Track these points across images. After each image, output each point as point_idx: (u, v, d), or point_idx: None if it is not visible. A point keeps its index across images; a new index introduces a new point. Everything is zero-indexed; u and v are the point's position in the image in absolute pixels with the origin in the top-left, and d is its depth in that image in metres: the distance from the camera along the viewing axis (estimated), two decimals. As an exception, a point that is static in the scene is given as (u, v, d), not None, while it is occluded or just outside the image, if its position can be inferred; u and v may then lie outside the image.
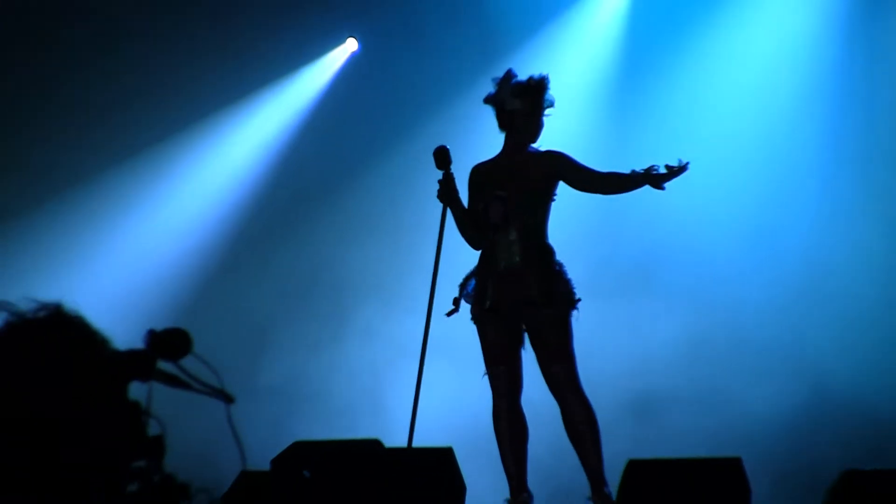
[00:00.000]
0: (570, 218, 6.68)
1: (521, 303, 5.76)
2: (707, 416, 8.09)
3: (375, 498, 5.01)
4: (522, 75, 8.18)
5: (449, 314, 5.86)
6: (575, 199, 6.33)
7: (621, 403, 8.10)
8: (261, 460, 5.44)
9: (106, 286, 8.58)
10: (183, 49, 8.92)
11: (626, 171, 5.77)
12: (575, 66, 8.81)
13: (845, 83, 8.37)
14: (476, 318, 5.88)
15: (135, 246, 8.95)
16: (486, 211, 5.86)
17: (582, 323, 5.85)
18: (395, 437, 5.90)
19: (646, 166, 5.72)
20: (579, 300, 5.81)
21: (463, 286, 5.94)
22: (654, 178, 5.69)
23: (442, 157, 5.96)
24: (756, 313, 8.25)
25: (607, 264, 8.40)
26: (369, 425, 8.17)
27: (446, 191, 5.91)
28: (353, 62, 9.18)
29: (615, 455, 5.76)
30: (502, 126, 6.02)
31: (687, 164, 5.67)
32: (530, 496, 5.89)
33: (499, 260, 5.83)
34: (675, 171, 5.68)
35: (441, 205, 5.96)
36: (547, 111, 6.00)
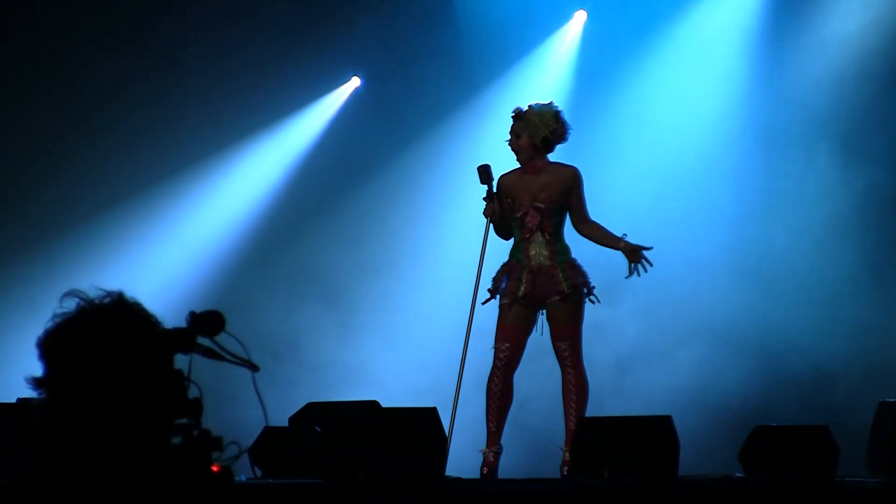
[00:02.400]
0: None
1: (551, 293, 5.84)
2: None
3: (374, 449, 5.03)
4: (501, 103, 8.20)
5: (485, 302, 5.97)
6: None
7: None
8: (280, 418, 5.46)
9: (156, 280, 8.60)
10: (213, 82, 8.86)
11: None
12: (536, 95, 8.80)
13: (757, 98, 8.31)
14: (505, 303, 5.94)
15: (179, 247, 8.99)
16: (522, 217, 5.93)
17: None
18: (389, 400, 5.92)
19: (636, 242, 5.84)
20: (594, 287, 5.89)
21: (498, 279, 6.01)
22: (634, 255, 5.80)
23: (486, 174, 5.98)
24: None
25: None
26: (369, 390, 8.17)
27: (491, 207, 5.95)
28: (356, 97, 9.14)
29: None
30: (546, 148, 5.96)
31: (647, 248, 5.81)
32: (501, 448, 5.94)
33: (531, 258, 5.91)
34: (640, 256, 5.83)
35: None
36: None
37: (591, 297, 5.96)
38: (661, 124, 8.44)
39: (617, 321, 8.08)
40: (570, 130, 6.03)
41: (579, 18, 8.78)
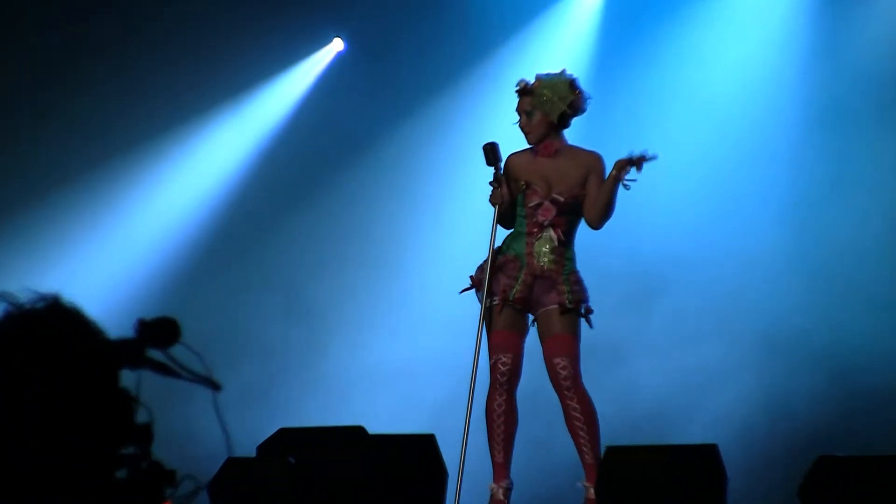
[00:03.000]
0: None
1: (549, 302, 5.83)
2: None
3: (360, 484, 5.04)
4: (505, 72, 8.21)
5: (462, 291, 5.96)
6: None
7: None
8: (247, 446, 5.48)
9: (99, 281, 8.61)
10: (170, 51, 8.93)
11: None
12: (553, 63, 8.84)
13: (818, 69, 8.39)
14: (496, 304, 5.90)
15: (126, 241, 9.01)
16: (535, 208, 5.89)
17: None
18: (377, 424, 5.94)
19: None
20: (591, 311, 5.93)
21: (484, 270, 5.94)
22: (620, 170, 5.76)
23: (494, 154, 5.95)
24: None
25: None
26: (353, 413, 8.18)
27: (500, 193, 5.90)
28: (339, 61, 9.17)
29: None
30: (562, 124, 5.96)
31: (651, 156, 5.74)
32: (511, 483, 5.95)
33: (535, 255, 5.89)
34: (636, 160, 5.74)
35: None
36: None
37: (588, 319, 5.94)
38: (703, 99, 8.50)
39: (648, 333, 8.11)
40: (589, 100, 6.02)
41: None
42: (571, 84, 5.97)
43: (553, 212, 5.87)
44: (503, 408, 5.89)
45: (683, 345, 8.23)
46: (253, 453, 5.46)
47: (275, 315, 8.92)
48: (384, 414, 8.11)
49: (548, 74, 6.03)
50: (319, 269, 8.96)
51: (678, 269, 8.31)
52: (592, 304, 5.95)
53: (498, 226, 5.99)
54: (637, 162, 5.77)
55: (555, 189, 5.89)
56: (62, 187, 8.91)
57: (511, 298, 5.87)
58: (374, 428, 5.60)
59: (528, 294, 5.88)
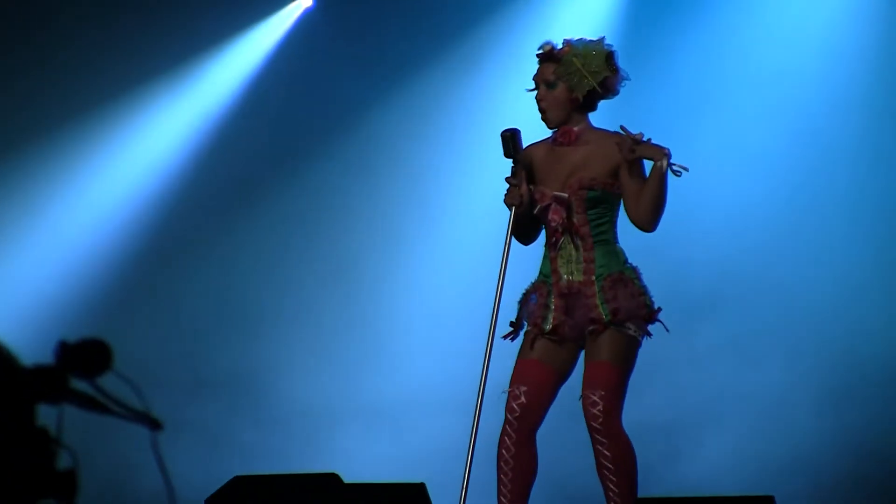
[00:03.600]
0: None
1: (585, 323, 5.70)
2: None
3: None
4: (511, 43, 8.15)
5: (507, 336, 5.84)
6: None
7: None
8: (195, 497, 5.47)
9: (9, 292, 8.63)
10: (104, 12, 8.99)
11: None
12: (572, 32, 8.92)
13: (878, 71, 8.48)
14: (528, 333, 5.81)
15: (44, 246, 9.00)
16: (543, 213, 5.78)
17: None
18: (355, 472, 5.93)
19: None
20: (659, 309, 5.77)
21: (523, 303, 5.87)
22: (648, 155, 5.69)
23: (514, 143, 5.82)
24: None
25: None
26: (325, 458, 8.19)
27: (518, 192, 5.80)
28: (307, 19, 9.23)
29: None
30: (588, 105, 5.89)
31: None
32: None
33: (560, 272, 5.80)
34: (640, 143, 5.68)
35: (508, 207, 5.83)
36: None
37: (649, 329, 5.81)
38: (765, 81, 8.55)
39: (696, 356, 8.14)
40: (626, 80, 5.95)
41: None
42: (609, 57, 5.83)
43: (562, 213, 5.77)
44: (512, 452, 5.78)
45: (746, 371, 8.29)
46: (201, 506, 5.46)
47: (225, 337, 8.92)
48: (365, 458, 8.13)
49: (581, 41, 5.91)
50: (279, 280, 8.97)
51: (731, 286, 8.36)
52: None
53: (513, 238, 5.90)
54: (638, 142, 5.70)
55: (567, 184, 5.80)
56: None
57: (546, 331, 5.77)
58: (350, 475, 5.58)
59: (564, 318, 5.77)
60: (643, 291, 5.73)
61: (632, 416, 5.84)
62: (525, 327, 5.81)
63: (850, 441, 8.11)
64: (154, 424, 2.82)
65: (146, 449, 2.91)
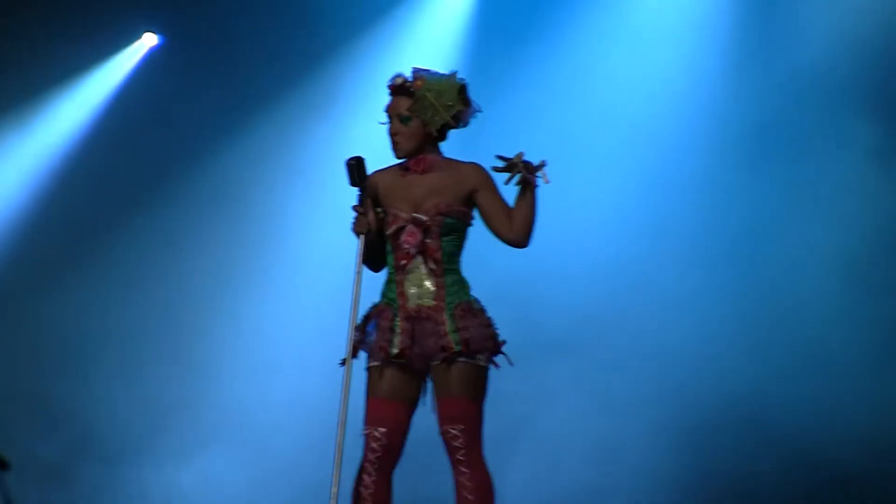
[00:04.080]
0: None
1: (434, 351, 5.65)
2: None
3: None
4: (360, 77, 8.12)
5: (343, 363, 5.74)
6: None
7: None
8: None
9: None
10: None
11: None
12: (419, 58, 8.96)
13: (735, 64, 8.65)
14: (374, 366, 5.74)
15: None
16: (396, 235, 5.73)
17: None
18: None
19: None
20: (504, 342, 5.77)
21: (363, 328, 5.79)
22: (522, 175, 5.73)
23: (360, 171, 5.73)
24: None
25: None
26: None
27: (366, 220, 5.74)
28: (153, 57, 9.19)
29: None
30: (441, 136, 5.87)
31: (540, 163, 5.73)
32: None
33: (408, 296, 5.74)
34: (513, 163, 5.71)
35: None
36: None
37: (495, 360, 5.79)
38: (601, 112, 8.71)
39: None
40: (478, 113, 5.96)
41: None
42: (461, 90, 5.82)
43: (418, 235, 5.73)
44: (371, 491, 5.73)
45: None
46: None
47: (68, 371, 8.84)
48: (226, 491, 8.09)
49: (432, 74, 5.88)
50: (121, 318, 8.91)
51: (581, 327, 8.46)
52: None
53: (364, 267, 5.85)
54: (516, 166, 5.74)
55: (422, 208, 5.78)
56: None
57: (392, 355, 5.72)
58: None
59: (412, 344, 5.73)
60: (491, 323, 5.73)
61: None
62: (368, 359, 5.76)
63: (692, 478, 8.23)
64: (1, 464, 2.79)
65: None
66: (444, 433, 5.60)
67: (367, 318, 5.76)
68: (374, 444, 5.63)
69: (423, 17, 9.06)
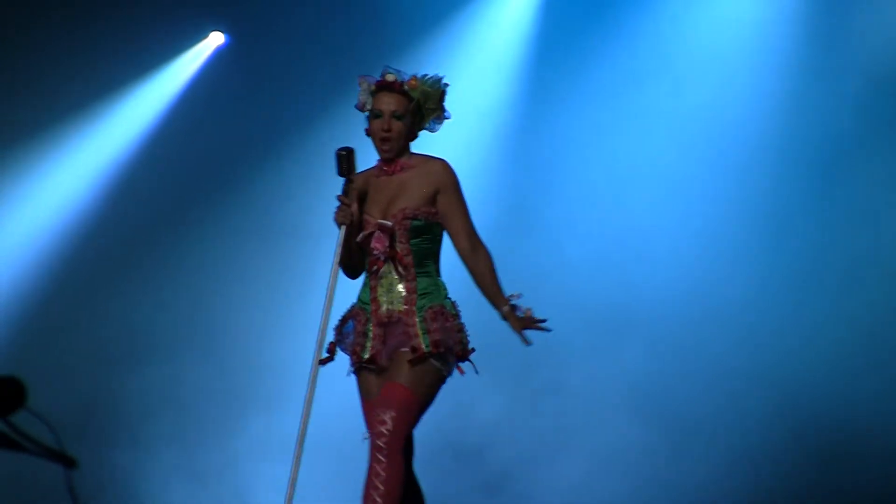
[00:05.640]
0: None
1: (399, 347, 5.64)
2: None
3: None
4: (436, 54, 8.10)
5: (323, 362, 5.74)
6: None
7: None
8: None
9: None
10: (29, 53, 8.97)
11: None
12: (488, 50, 9.01)
13: (800, 73, 8.62)
14: (354, 370, 5.76)
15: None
16: (366, 240, 5.72)
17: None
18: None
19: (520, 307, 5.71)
20: (473, 350, 5.76)
21: (340, 329, 5.82)
22: (518, 326, 5.69)
23: (349, 162, 5.72)
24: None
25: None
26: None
27: (350, 211, 5.73)
28: (220, 57, 9.26)
29: None
30: (414, 135, 5.88)
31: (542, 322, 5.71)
32: None
33: (380, 301, 5.74)
34: (530, 321, 5.68)
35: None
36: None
37: (461, 365, 5.77)
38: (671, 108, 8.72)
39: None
40: (447, 119, 5.95)
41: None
42: (442, 96, 5.88)
43: (385, 241, 5.71)
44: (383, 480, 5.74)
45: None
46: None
47: (142, 378, 8.89)
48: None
49: (427, 77, 5.91)
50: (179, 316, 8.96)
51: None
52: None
53: (341, 270, 5.84)
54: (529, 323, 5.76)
55: (390, 212, 5.76)
56: None
57: (364, 359, 5.71)
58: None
59: (382, 347, 5.72)
60: (461, 328, 5.70)
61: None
62: (349, 365, 5.75)
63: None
64: (69, 462, 2.79)
65: (61, 489, 2.89)
66: (372, 421, 5.56)
67: (344, 319, 5.77)
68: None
69: (486, 20, 9.09)
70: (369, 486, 5.54)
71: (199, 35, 9.29)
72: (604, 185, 8.69)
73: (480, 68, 9.05)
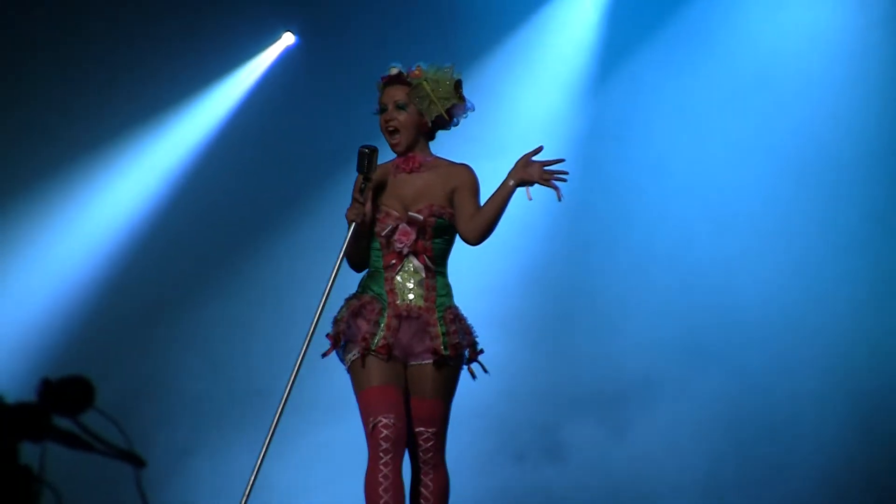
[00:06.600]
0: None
1: (422, 352, 5.66)
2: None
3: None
4: (490, 72, 8.12)
5: (325, 354, 5.76)
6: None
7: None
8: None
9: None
10: (101, 62, 9.06)
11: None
12: (556, 53, 9.01)
13: (872, 84, 8.57)
14: (356, 358, 5.72)
15: (27, 283, 9.01)
16: (389, 234, 5.72)
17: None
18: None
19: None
20: (482, 351, 5.77)
21: (345, 319, 5.79)
22: (535, 174, 5.63)
23: (370, 160, 5.72)
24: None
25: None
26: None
27: (363, 209, 5.71)
28: (289, 56, 9.30)
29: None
30: (431, 133, 5.88)
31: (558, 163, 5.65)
32: None
33: (398, 293, 5.74)
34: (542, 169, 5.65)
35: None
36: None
37: (473, 366, 5.81)
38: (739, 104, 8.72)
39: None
40: (471, 111, 5.91)
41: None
42: (457, 85, 5.83)
43: (412, 235, 5.70)
44: (391, 480, 5.70)
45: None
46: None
47: (207, 374, 8.94)
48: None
49: (432, 65, 5.88)
50: (264, 314, 8.97)
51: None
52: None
53: (349, 263, 5.84)
54: (547, 175, 5.67)
55: (412, 208, 5.75)
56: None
57: (374, 348, 5.71)
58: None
59: (395, 339, 5.73)
60: (472, 330, 5.76)
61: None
62: (346, 351, 5.72)
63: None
64: (137, 462, 2.80)
65: (130, 487, 2.89)
66: (417, 434, 5.62)
67: (352, 308, 5.72)
68: (385, 432, 5.57)
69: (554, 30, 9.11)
70: (418, 495, 5.65)
71: (273, 36, 9.35)
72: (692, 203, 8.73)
73: (551, 78, 9.07)
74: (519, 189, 5.59)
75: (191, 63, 9.19)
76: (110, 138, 9.15)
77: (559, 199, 5.59)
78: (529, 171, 5.58)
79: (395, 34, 9.01)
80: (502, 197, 5.62)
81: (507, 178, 5.61)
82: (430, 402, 5.64)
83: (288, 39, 9.35)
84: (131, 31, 9.13)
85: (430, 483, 5.66)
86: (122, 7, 9.13)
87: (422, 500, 5.67)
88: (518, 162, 5.63)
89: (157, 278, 9.08)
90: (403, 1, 9.11)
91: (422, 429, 5.64)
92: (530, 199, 5.61)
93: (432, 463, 5.68)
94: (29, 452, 2.58)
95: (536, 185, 5.60)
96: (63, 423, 2.64)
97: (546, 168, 5.58)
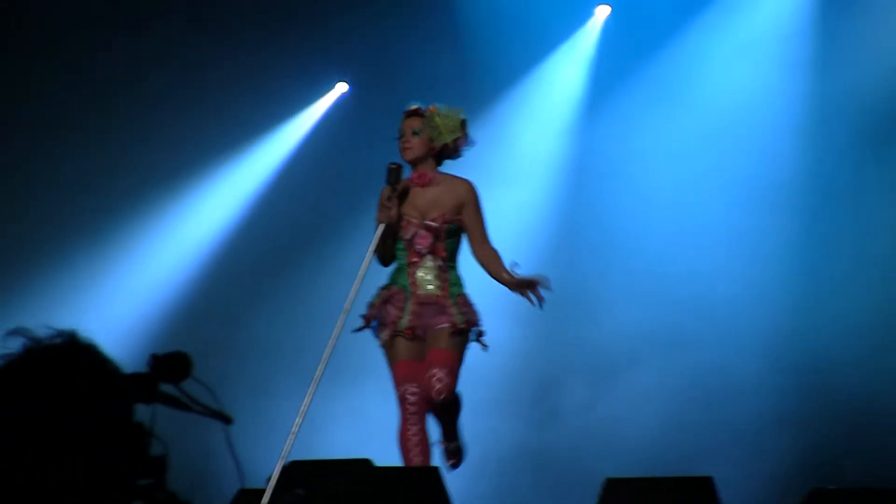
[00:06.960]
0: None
1: (439, 322, 5.75)
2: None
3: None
4: (514, 116, 8.15)
5: (357, 330, 5.86)
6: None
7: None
8: (258, 478, 5.46)
9: (113, 319, 8.67)
10: (173, 103, 9.02)
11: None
12: (552, 100, 8.95)
13: (816, 85, 8.50)
14: (385, 338, 5.84)
15: (139, 282, 9.08)
16: (411, 239, 5.85)
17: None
18: (388, 457, 5.92)
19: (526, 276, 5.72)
20: (483, 333, 5.88)
21: (378, 304, 5.91)
22: (523, 290, 5.71)
23: (397, 174, 5.88)
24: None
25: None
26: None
27: (391, 214, 5.82)
28: (343, 104, 9.22)
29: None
30: (439, 158, 5.95)
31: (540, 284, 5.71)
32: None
33: (419, 284, 5.84)
34: (529, 283, 5.70)
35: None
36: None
37: (481, 342, 5.91)
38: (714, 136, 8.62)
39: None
40: (471, 146, 6.02)
41: (601, 14, 8.89)
42: (463, 123, 6.00)
43: (430, 238, 5.87)
44: (419, 437, 5.81)
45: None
46: (263, 485, 5.43)
47: (283, 349, 8.90)
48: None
49: (445, 106, 6.02)
50: (322, 307, 8.91)
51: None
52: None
53: (378, 259, 5.93)
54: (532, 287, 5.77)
55: (427, 217, 5.87)
56: (76, 230, 8.97)
57: (401, 329, 5.81)
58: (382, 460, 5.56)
59: (418, 322, 5.83)
60: (477, 313, 5.91)
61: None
62: (379, 331, 5.80)
63: (784, 421, 8.07)
64: (227, 420, 2.83)
65: (220, 439, 2.91)
66: (429, 377, 5.66)
67: (383, 297, 5.82)
68: (411, 399, 5.70)
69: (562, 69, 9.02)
70: (434, 421, 5.70)
71: (327, 86, 9.27)
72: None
73: (547, 121, 8.98)
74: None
75: (260, 107, 9.13)
76: (191, 168, 9.12)
77: (532, 303, 5.69)
78: (524, 290, 5.69)
79: (438, 85, 8.97)
80: (503, 280, 5.74)
81: (514, 279, 5.67)
82: (442, 350, 5.71)
83: (341, 89, 9.29)
84: (206, 81, 9.07)
85: (442, 413, 5.72)
86: (201, 66, 9.06)
87: (439, 424, 5.72)
88: (522, 280, 5.69)
89: (233, 283, 9.08)
90: (442, 61, 8.97)
91: (435, 370, 5.67)
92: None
93: (444, 396, 5.72)
94: (141, 412, 2.61)
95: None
96: (168, 388, 2.67)
97: (537, 289, 5.66)
